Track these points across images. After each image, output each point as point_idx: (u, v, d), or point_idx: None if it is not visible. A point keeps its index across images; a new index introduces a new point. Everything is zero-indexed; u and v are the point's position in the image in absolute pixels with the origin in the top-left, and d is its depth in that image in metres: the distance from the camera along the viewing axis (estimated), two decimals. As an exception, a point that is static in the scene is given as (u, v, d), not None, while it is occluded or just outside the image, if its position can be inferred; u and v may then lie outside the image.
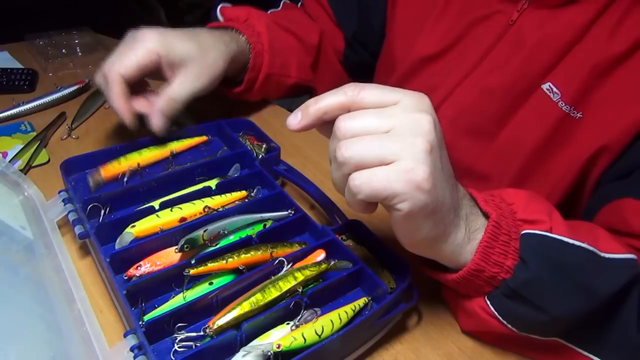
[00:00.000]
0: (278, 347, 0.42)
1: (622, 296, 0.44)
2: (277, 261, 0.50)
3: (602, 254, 0.44)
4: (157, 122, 0.62)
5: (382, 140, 0.37)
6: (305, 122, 0.41)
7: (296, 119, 0.41)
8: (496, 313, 0.45)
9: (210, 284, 0.50)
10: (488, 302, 0.45)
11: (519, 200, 0.46)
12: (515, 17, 0.62)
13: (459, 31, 0.67)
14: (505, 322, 0.45)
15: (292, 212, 0.58)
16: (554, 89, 0.58)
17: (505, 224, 0.43)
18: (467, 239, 0.43)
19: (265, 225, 0.57)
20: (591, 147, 0.56)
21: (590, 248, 0.43)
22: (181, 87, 0.63)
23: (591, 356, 0.46)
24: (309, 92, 0.88)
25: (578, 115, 0.57)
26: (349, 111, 0.39)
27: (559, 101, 0.58)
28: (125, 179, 0.61)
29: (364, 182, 0.37)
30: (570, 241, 0.43)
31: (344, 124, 0.38)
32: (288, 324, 0.45)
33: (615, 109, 0.55)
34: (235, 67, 0.72)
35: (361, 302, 0.49)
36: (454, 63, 0.68)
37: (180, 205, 0.56)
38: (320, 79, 0.87)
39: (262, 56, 0.75)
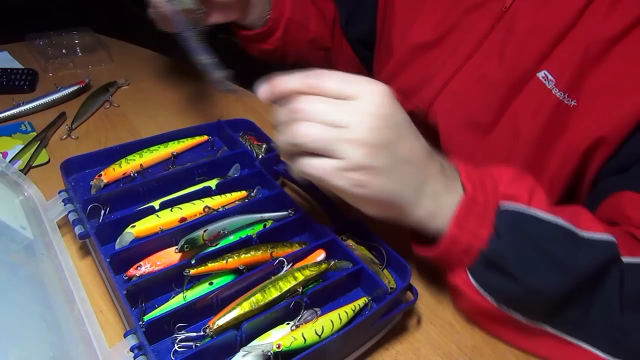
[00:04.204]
0: (278, 347, 0.42)
1: (603, 278, 0.45)
2: (277, 261, 0.50)
3: (580, 232, 0.45)
4: None
5: (332, 135, 0.41)
6: (272, 96, 0.45)
7: (265, 91, 0.45)
8: (475, 284, 0.47)
9: (210, 284, 0.50)
10: (469, 275, 0.47)
11: (505, 176, 0.48)
12: (508, 3, 0.61)
13: (453, 19, 0.67)
14: (484, 294, 0.47)
15: (292, 212, 0.58)
16: (549, 77, 0.57)
17: (482, 196, 0.46)
18: (432, 215, 0.46)
19: (265, 225, 0.57)
20: (587, 138, 0.55)
21: (566, 224, 0.45)
22: None
23: (580, 343, 0.47)
24: (330, 65, 0.90)
25: (572, 103, 0.56)
26: (311, 94, 0.43)
27: (553, 88, 0.57)
28: (127, 181, 0.61)
29: (307, 168, 0.43)
30: (546, 217, 0.45)
31: (302, 106, 0.42)
32: (288, 324, 0.45)
33: (610, 99, 0.54)
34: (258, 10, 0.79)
35: (361, 302, 0.49)
36: (449, 52, 0.67)
37: (180, 205, 0.56)
38: (338, 55, 0.90)
39: (284, 1, 0.80)
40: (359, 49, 0.87)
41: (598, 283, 0.45)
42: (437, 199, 0.46)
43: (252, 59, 0.89)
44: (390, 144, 0.42)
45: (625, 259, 0.46)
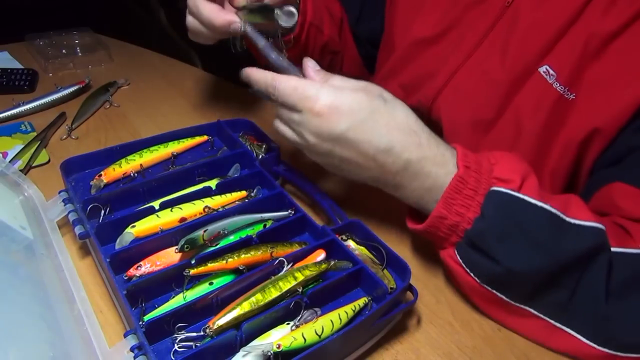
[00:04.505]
0: (278, 347, 0.42)
1: (589, 265, 0.46)
2: (277, 261, 0.50)
3: (567, 219, 0.46)
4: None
5: (293, 138, 0.53)
6: (248, 80, 0.54)
7: (245, 76, 0.54)
8: (460, 260, 0.49)
9: (210, 284, 0.50)
10: (455, 251, 0.50)
11: (501, 161, 0.50)
12: None
13: (456, 15, 0.67)
14: (468, 270, 0.49)
15: (292, 212, 0.58)
16: (551, 71, 0.58)
17: (473, 179, 0.47)
18: (400, 198, 0.52)
19: (265, 225, 0.57)
20: (584, 130, 0.56)
21: (554, 210, 0.46)
22: None
23: (564, 327, 0.48)
24: (335, 64, 0.87)
25: (571, 96, 0.57)
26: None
27: (554, 82, 0.58)
28: (127, 181, 0.61)
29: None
30: (533, 201, 0.46)
31: (279, 116, 0.54)
32: (288, 324, 0.45)
33: (606, 92, 0.55)
34: None
35: (361, 302, 0.49)
36: (451, 48, 0.67)
37: (180, 206, 0.56)
38: (344, 56, 0.87)
39: (305, 3, 0.75)
40: (368, 48, 0.85)
41: (583, 269, 0.46)
42: (399, 189, 0.51)
43: (251, 60, 0.88)
44: (330, 152, 0.50)
45: (614, 249, 0.47)
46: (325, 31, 0.81)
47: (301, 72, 0.54)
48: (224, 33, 0.63)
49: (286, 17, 0.58)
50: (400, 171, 0.49)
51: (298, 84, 0.50)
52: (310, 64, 0.53)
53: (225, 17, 0.60)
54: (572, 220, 0.46)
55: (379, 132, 0.48)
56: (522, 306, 0.49)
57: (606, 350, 0.47)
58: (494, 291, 0.49)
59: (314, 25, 0.77)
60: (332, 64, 0.88)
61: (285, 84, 0.50)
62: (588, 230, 0.46)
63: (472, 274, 0.49)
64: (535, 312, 0.49)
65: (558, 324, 0.48)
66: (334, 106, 0.48)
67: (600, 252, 0.46)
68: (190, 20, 0.63)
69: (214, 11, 0.59)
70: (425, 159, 0.48)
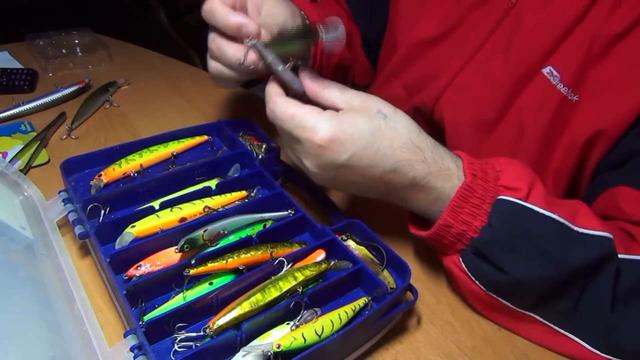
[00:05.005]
0: (278, 347, 0.42)
1: (596, 274, 0.46)
2: (277, 261, 0.50)
3: (575, 228, 0.46)
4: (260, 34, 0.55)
5: (297, 162, 0.51)
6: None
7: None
8: (465, 269, 0.49)
9: (210, 284, 0.50)
10: (460, 259, 0.50)
11: (507, 168, 0.49)
12: None
13: (459, 15, 0.67)
14: (473, 278, 0.49)
15: (292, 212, 0.57)
16: (554, 72, 0.58)
17: (480, 188, 0.47)
18: (406, 207, 0.52)
19: (265, 225, 0.57)
20: (587, 131, 0.56)
21: (562, 220, 0.46)
22: (268, 13, 0.58)
23: (568, 334, 0.48)
24: (347, 78, 0.87)
25: (575, 98, 0.57)
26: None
27: (557, 84, 0.58)
28: (127, 181, 0.61)
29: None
30: (541, 211, 0.46)
31: (281, 137, 0.52)
32: (288, 324, 0.45)
33: (611, 93, 0.55)
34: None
35: (361, 302, 0.49)
36: (455, 47, 0.67)
37: (180, 205, 0.56)
38: (354, 67, 0.87)
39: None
40: (378, 51, 0.85)
41: (590, 278, 0.46)
42: (404, 202, 0.51)
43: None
44: (333, 178, 0.49)
45: (620, 256, 0.47)
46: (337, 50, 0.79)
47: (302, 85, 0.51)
48: (252, 73, 0.58)
49: (331, 34, 0.50)
50: (406, 187, 0.49)
51: (296, 112, 0.47)
52: (305, 74, 0.51)
53: (252, 56, 0.55)
54: (580, 230, 0.46)
55: (384, 154, 0.47)
56: (526, 312, 0.49)
57: (610, 357, 0.47)
58: (499, 299, 0.49)
59: (325, 52, 0.76)
60: (344, 79, 0.87)
61: (282, 110, 0.48)
62: (596, 240, 0.46)
63: (477, 282, 0.49)
64: (540, 319, 0.49)
65: (562, 330, 0.48)
66: (335, 138, 0.46)
67: (608, 261, 0.46)
68: (213, 65, 0.59)
69: (240, 51, 0.55)
70: (430, 175, 0.48)
